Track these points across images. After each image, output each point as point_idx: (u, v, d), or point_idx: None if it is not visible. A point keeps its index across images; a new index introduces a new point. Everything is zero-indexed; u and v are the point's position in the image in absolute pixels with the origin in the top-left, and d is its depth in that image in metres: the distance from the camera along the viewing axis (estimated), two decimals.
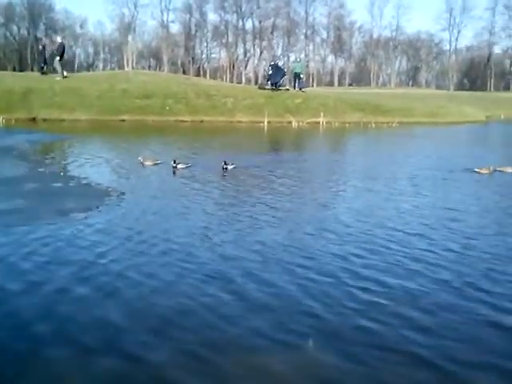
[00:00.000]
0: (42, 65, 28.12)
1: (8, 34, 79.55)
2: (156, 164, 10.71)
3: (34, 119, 21.22)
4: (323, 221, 6.70)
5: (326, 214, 7.18)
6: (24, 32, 78.63)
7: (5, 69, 63.81)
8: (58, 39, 28.07)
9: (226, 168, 10.27)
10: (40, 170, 10.09)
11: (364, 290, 4.36)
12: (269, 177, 9.98)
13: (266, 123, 23.64)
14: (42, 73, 27.46)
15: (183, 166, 10.37)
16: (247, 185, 9.46)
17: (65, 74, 26.62)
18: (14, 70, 66.78)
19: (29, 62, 76.69)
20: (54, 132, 18.14)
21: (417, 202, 7.91)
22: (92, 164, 10.98)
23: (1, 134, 17.09)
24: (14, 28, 78.68)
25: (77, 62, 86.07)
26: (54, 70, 26.52)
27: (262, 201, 7.76)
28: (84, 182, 8.82)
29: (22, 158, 11.77)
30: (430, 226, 6.45)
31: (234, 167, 10.39)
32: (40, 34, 79.88)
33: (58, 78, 25.26)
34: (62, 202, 7.22)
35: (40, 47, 30.31)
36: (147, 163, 10.62)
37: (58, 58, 25.79)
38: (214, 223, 6.40)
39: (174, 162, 10.33)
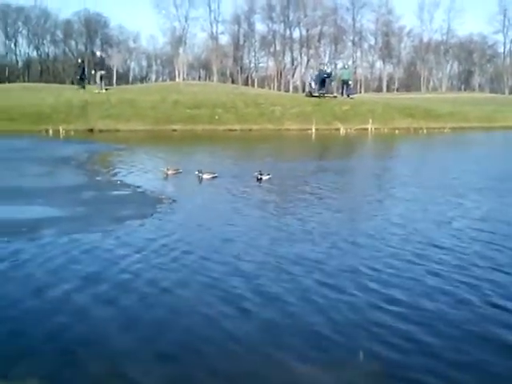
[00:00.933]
0: (79, 79, 28.90)
1: (67, 49, 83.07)
2: (177, 173, 10.79)
3: (91, 130, 22.23)
4: (356, 236, 6.53)
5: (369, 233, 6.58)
6: (81, 47, 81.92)
7: (64, 82, 66.78)
8: (98, 54, 29.68)
9: (261, 178, 10.25)
10: (97, 178, 10.67)
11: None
12: (305, 188, 9.84)
13: (313, 130, 23.79)
14: (82, 87, 28.09)
15: (209, 177, 10.42)
16: (284, 195, 9.67)
17: (103, 87, 27.43)
18: (73, 83, 69.75)
19: (86, 76, 79.85)
20: (109, 142, 18.96)
21: (478, 216, 7.37)
22: (145, 172, 11.50)
23: (61, 145, 18.04)
24: (73, 43, 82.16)
25: (131, 74, 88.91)
26: (92, 84, 27.55)
27: (290, 213, 7.72)
28: (139, 190, 9.27)
29: (81, 168, 12.42)
30: (490, 246, 5.83)
31: (270, 178, 10.35)
32: (96, 49, 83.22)
33: (97, 91, 26.46)
34: (119, 210, 7.64)
35: (79, 61, 31.23)
36: (170, 172, 10.73)
37: (99, 72, 27.05)
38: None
39: (200, 172, 10.42)
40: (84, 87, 28.20)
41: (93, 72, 27.44)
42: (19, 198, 8.46)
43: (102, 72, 27.44)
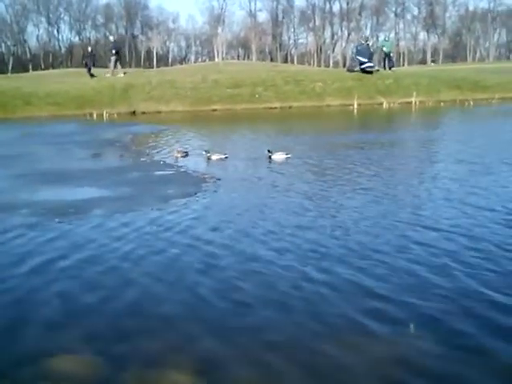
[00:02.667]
0: (89, 67, 28.12)
1: (107, 33, 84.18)
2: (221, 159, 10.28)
3: (133, 112, 22.56)
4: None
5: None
6: (122, 31, 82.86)
7: (105, 66, 67.88)
8: (111, 38, 30.05)
9: (270, 157, 10.00)
10: (142, 159, 10.84)
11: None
12: (331, 167, 9.69)
13: (355, 106, 23.36)
14: (91, 75, 27.16)
15: (218, 157, 10.13)
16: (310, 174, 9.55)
17: (120, 72, 26.92)
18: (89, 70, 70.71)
19: (127, 59, 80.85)
20: (152, 124, 19.19)
21: None
22: (188, 152, 11.59)
23: (105, 128, 18.40)
24: (113, 27, 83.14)
25: (171, 56, 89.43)
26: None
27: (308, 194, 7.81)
28: (182, 170, 9.37)
29: (125, 149, 12.67)
30: None
31: (288, 157, 10.01)
32: (137, 32, 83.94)
33: (108, 75, 26.38)
34: (164, 189, 7.75)
35: (89, 49, 30.64)
36: (214, 158, 10.26)
37: (113, 56, 27.16)
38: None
39: (207, 152, 10.22)
40: (92, 75, 27.11)
41: (112, 58, 27.26)
42: (68, 180, 8.71)
43: (114, 56, 27.06)
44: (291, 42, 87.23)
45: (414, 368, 3.03)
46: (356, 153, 10.91)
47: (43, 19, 78.40)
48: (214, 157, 10.19)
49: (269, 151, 10.13)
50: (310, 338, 3.37)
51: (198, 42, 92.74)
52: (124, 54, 34.38)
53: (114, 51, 27.60)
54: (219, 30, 78.04)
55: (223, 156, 10.26)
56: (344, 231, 5.48)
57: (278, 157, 10.07)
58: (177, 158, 10.66)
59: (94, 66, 28.96)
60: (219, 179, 8.37)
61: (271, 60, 73.69)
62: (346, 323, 3.54)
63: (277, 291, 4.05)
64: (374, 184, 7.83)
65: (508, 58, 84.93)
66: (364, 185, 7.76)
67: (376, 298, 3.86)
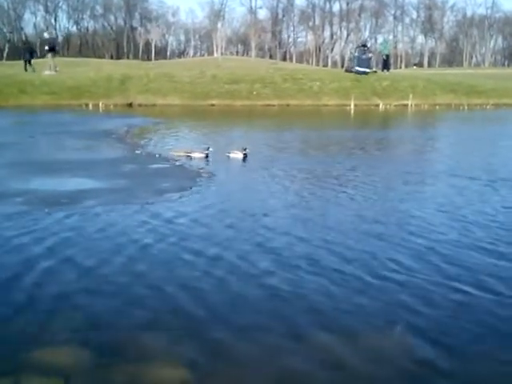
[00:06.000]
0: (26, 61, 26.98)
1: (106, 24, 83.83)
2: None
3: (130, 104, 22.46)
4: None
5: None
6: (120, 22, 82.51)
7: (103, 57, 67.52)
8: (45, 35, 29.65)
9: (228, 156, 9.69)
10: (137, 152, 10.77)
11: None
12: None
13: (352, 106, 23.39)
14: (26, 69, 26.40)
15: (199, 156, 9.76)
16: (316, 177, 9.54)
17: (54, 69, 25.76)
18: (112, 58, 70.48)
19: (125, 50, 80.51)
20: (148, 116, 19.11)
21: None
22: (184, 146, 11.52)
23: (101, 119, 18.30)
24: (112, 18, 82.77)
25: (169, 49, 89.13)
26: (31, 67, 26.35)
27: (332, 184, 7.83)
28: (177, 163, 9.32)
29: (121, 141, 12.57)
30: None
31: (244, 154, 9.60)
32: (135, 24, 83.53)
33: (47, 72, 25.12)
34: (158, 182, 7.69)
35: (24, 42, 29.78)
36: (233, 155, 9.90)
37: (49, 53, 26.10)
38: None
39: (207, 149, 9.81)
40: (26, 69, 26.35)
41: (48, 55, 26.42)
42: (61, 170, 8.62)
43: (50, 53, 26.27)
44: (290, 40, 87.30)
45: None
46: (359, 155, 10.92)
47: (41, 7, 77.95)
48: (195, 155, 9.78)
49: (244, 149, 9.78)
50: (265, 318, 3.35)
51: (197, 37, 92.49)
52: (59, 51, 33.57)
53: (47, 48, 26.54)
54: (219, 25, 77.90)
55: (241, 154, 9.75)
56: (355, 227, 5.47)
57: (235, 155, 9.78)
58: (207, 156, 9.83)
59: (32, 57, 27.28)
60: (214, 174, 8.34)
61: (270, 57, 73.60)
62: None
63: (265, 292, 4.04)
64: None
65: (503, 64, 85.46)
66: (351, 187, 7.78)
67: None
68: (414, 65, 67.53)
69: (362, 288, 4.04)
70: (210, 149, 9.89)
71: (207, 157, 9.78)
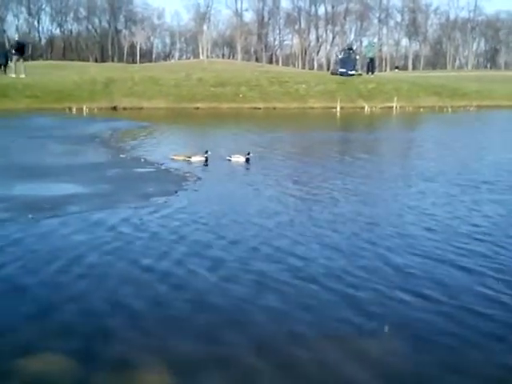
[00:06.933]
0: (1, 65, 26.44)
1: (90, 26, 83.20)
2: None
3: (115, 108, 22.28)
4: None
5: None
6: (105, 24, 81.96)
7: (87, 60, 67.03)
8: (16, 37, 29.39)
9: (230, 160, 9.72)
10: (122, 156, 10.65)
11: None
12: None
13: (338, 109, 23.46)
14: (6, 73, 25.80)
15: (199, 160, 9.69)
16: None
17: (21, 73, 25.05)
18: (96, 61, 70.03)
19: (109, 53, 80.00)
20: (133, 120, 18.97)
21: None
22: (170, 150, 11.45)
23: (85, 123, 18.11)
24: (96, 21, 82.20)
25: (154, 52, 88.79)
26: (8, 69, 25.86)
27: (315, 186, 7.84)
28: (163, 167, 9.24)
29: (105, 145, 12.44)
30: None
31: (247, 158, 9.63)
32: (120, 26, 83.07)
33: (12, 75, 24.58)
34: (144, 187, 7.61)
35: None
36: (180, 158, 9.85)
37: (14, 56, 25.48)
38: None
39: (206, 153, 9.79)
40: (6, 73, 25.78)
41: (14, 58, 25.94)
42: (44, 175, 8.49)
43: (16, 56, 25.82)
44: (276, 43, 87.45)
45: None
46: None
47: (24, 9, 77.09)
48: (176, 157, 9.81)
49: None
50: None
51: (182, 39, 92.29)
52: (28, 53, 32.92)
53: (13, 51, 25.88)
54: (205, 27, 77.78)
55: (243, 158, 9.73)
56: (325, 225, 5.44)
57: (236, 159, 9.75)
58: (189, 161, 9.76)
59: (7, 61, 26.45)
60: (200, 178, 8.27)
61: (256, 60, 73.69)
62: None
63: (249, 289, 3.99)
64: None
65: (486, 66, 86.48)
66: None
67: None
68: (396, 67, 68.06)
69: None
70: (209, 152, 9.85)
71: (206, 161, 9.74)
